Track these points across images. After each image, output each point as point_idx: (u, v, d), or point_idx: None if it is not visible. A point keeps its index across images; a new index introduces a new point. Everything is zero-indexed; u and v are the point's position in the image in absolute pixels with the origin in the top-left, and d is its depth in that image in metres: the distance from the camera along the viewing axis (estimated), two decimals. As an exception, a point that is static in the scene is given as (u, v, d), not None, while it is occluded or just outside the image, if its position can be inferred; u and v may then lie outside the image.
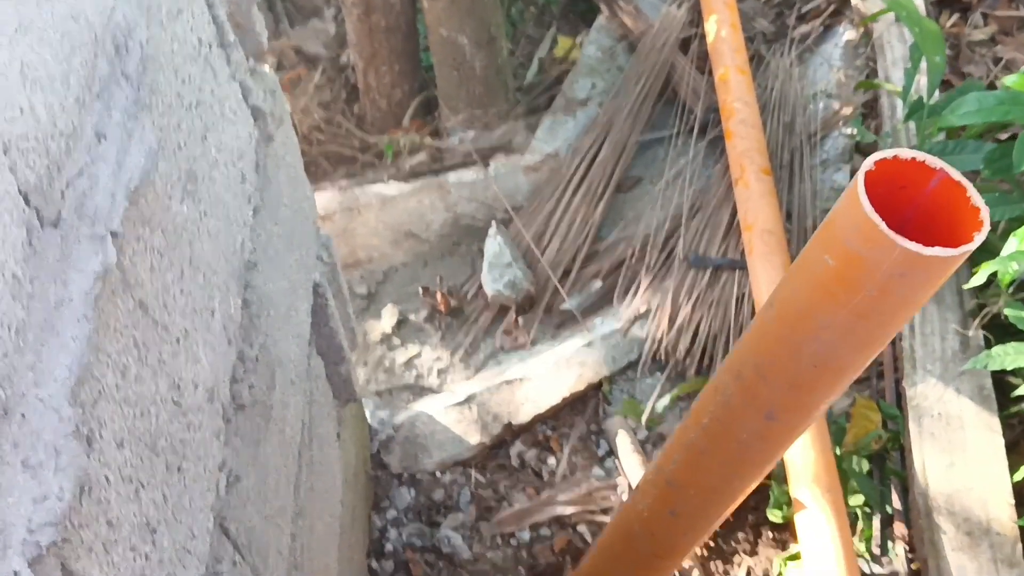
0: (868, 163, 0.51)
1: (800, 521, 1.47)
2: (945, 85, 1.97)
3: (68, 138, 0.53)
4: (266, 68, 1.05)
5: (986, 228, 0.49)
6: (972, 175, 1.74)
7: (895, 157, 0.51)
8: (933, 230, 0.52)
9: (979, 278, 1.20)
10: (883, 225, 0.49)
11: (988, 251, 1.49)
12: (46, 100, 0.51)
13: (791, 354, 0.58)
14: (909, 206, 0.52)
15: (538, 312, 1.92)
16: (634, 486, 1.63)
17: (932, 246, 0.48)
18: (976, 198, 0.50)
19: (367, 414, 1.64)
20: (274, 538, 0.88)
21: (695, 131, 2.10)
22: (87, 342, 0.51)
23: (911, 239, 0.51)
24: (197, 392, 0.70)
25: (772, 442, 0.65)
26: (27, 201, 0.48)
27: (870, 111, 2.13)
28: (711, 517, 0.74)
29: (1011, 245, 1.31)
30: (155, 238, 0.64)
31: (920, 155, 0.51)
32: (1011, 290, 1.55)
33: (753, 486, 0.71)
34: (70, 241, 0.53)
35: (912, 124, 1.81)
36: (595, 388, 1.77)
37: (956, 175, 0.51)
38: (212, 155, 0.79)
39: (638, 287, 1.87)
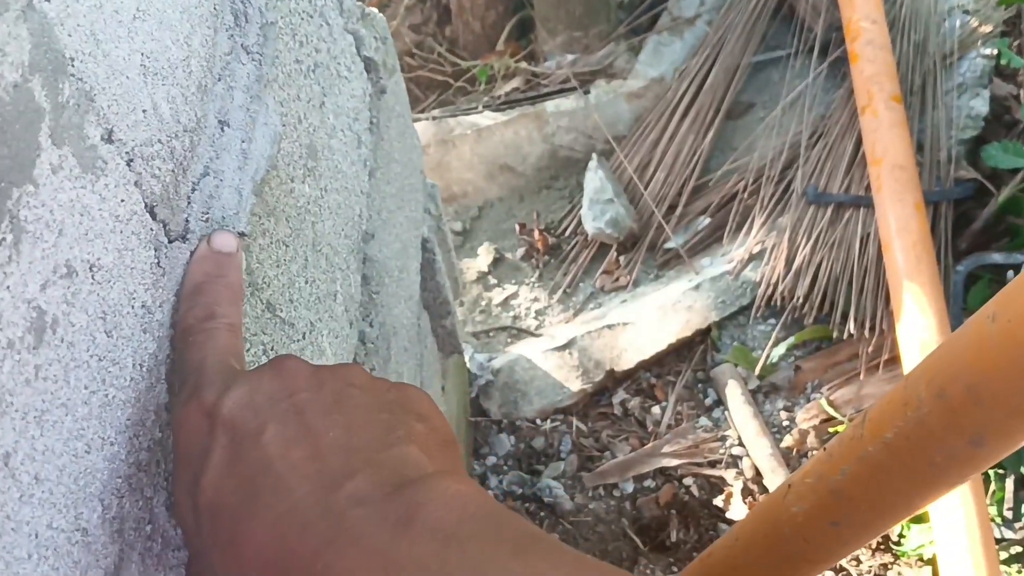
0: None
1: (928, 484, 1.38)
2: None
3: (192, 133, 0.46)
4: (374, 10, 0.96)
5: None
6: None
7: None
8: None
9: None
10: None
11: None
12: (169, 93, 0.44)
13: (1021, 378, 0.49)
14: None
15: (641, 251, 1.83)
16: (763, 462, 1.57)
17: None
18: None
19: (466, 359, 1.60)
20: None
21: (815, 52, 1.93)
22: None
23: None
24: (324, 389, 0.64)
25: (972, 467, 0.56)
26: (153, 215, 0.42)
27: (1012, 28, 1.92)
28: (879, 530, 0.67)
29: None
30: (279, 229, 0.58)
31: None
32: None
33: (926, 506, 0.63)
34: (198, 252, 0.47)
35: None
36: (703, 334, 1.69)
37: None
38: (330, 122, 0.72)
39: (751, 225, 1.76)
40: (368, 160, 0.84)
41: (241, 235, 0.50)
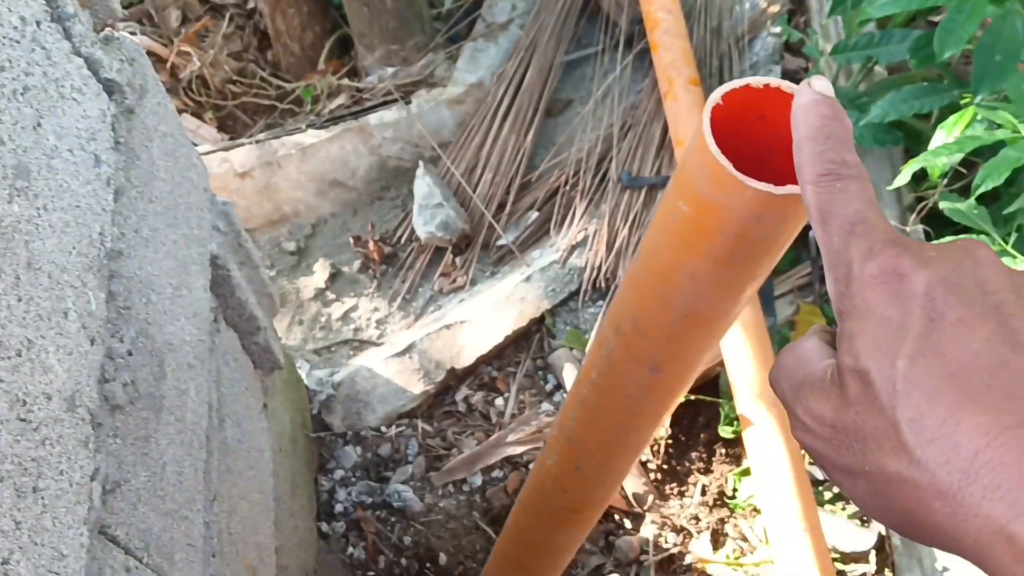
0: (715, 97, 0.46)
1: (748, 437, 1.46)
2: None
3: None
4: (124, 34, 0.96)
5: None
6: (901, 65, 1.69)
7: (746, 86, 0.46)
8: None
9: (903, 177, 1.16)
10: (731, 167, 0.44)
11: (923, 143, 1.45)
12: None
13: (663, 307, 0.54)
14: (771, 137, 0.47)
15: (475, 250, 1.87)
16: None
17: (787, 184, 0.44)
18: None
19: (303, 375, 1.60)
20: (181, 532, 0.84)
21: (620, 45, 2.02)
22: None
23: (775, 173, 0.46)
24: (51, 404, 0.64)
25: (660, 394, 0.61)
26: None
27: (798, 7, 2.06)
28: (615, 469, 0.71)
29: (938, 138, 1.27)
30: (-30, 247, 0.58)
31: (774, 81, 0.46)
32: (945, 181, 1.52)
33: (651, 437, 0.67)
34: None
35: (839, 18, 1.75)
36: (538, 323, 1.73)
37: (814, 99, 0.46)
38: (50, 143, 0.72)
39: (574, 214, 1.82)
40: (113, 179, 0.84)
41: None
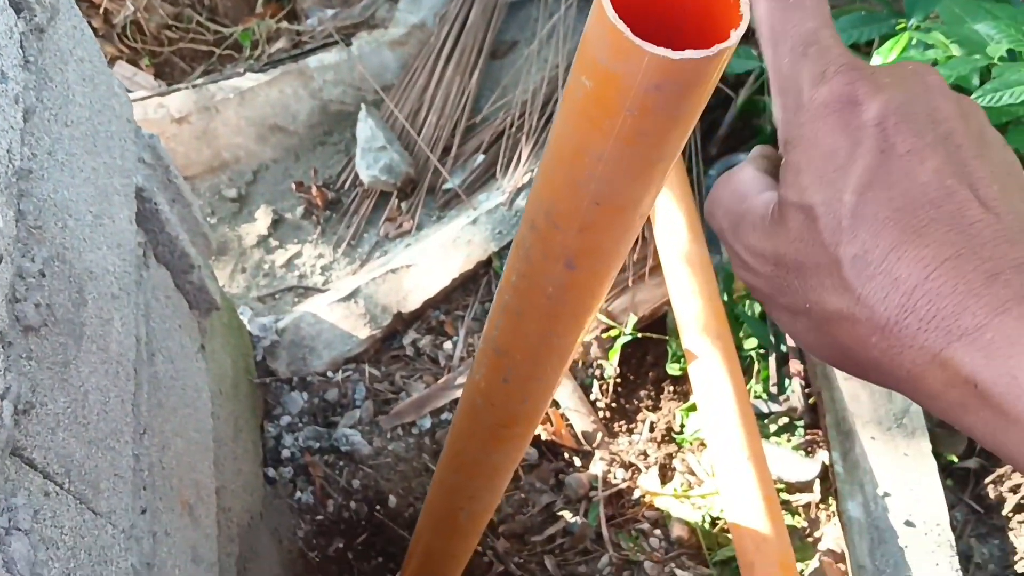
0: (616, -39, 0.44)
1: (693, 371, 1.47)
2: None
3: None
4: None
5: (744, 23, 0.43)
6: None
7: (652, -48, 0.45)
8: (708, 36, 0.45)
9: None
10: (628, 32, 0.43)
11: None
12: None
13: (573, 194, 0.53)
14: (678, 13, 0.46)
15: (421, 195, 1.84)
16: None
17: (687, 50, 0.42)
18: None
19: (245, 321, 1.57)
20: (107, 462, 0.82)
21: (566, -15, 1.99)
22: None
23: (683, 46, 0.45)
24: (-48, 320, 0.62)
25: (579, 292, 0.60)
26: None
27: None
28: (542, 379, 0.71)
29: (875, 62, 1.27)
30: None
31: (682, -53, 0.45)
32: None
33: (574, 343, 0.67)
34: None
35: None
36: (485, 265, 1.72)
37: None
38: (-57, 51, 0.69)
39: (520, 156, 1.80)
40: (21, 97, 0.80)
41: None
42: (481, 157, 1.86)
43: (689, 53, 0.43)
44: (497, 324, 0.68)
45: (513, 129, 1.85)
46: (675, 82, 0.44)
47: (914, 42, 1.17)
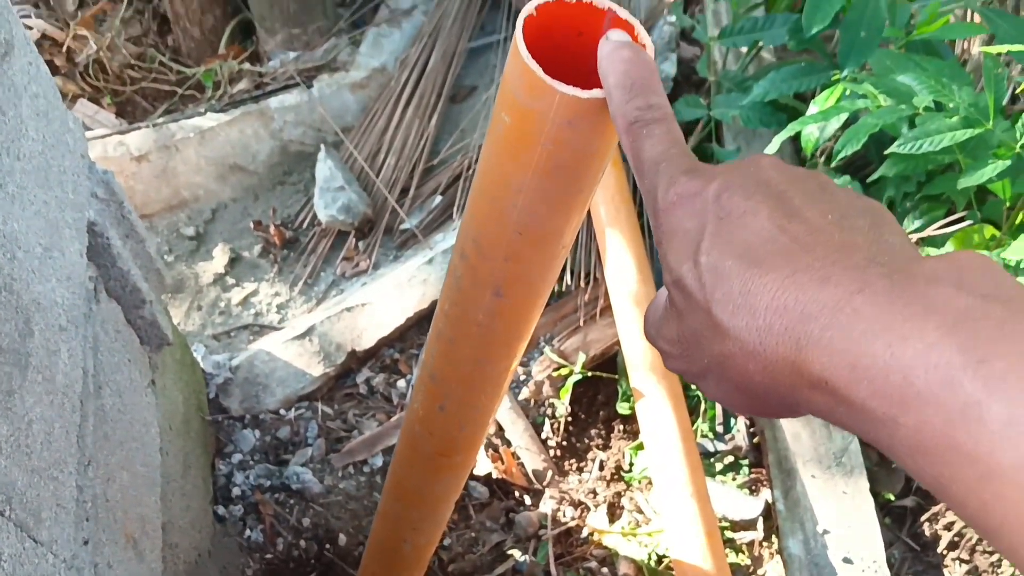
0: (529, 7, 0.48)
1: (640, 409, 1.50)
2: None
3: None
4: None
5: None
6: (782, 49, 1.76)
7: (559, 0, 0.48)
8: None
9: (773, 146, 1.21)
10: (540, 72, 0.46)
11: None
12: None
13: (497, 224, 0.56)
14: (590, 54, 0.50)
15: (378, 235, 1.87)
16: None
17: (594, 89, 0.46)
18: (643, 35, 0.48)
19: (199, 358, 1.57)
20: (49, 491, 0.83)
21: (523, 34, 2.05)
22: None
23: (592, 88, 0.48)
24: None
25: (508, 320, 0.63)
26: None
27: (695, -4, 2.12)
28: (477, 406, 0.73)
29: (812, 111, 1.32)
30: None
31: (587, -4, 0.48)
32: (824, 158, 1.58)
33: (508, 370, 0.69)
34: None
35: (726, 3, 1.82)
36: (440, 304, 1.74)
37: (623, 14, 0.48)
38: None
39: (475, 198, 1.84)
40: (-28, 130, 0.82)
41: None
42: (439, 198, 1.89)
43: (596, 92, 0.46)
44: (432, 352, 0.71)
45: (470, 172, 1.89)
46: (585, 119, 0.47)
47: (847, 93, 1.23)
